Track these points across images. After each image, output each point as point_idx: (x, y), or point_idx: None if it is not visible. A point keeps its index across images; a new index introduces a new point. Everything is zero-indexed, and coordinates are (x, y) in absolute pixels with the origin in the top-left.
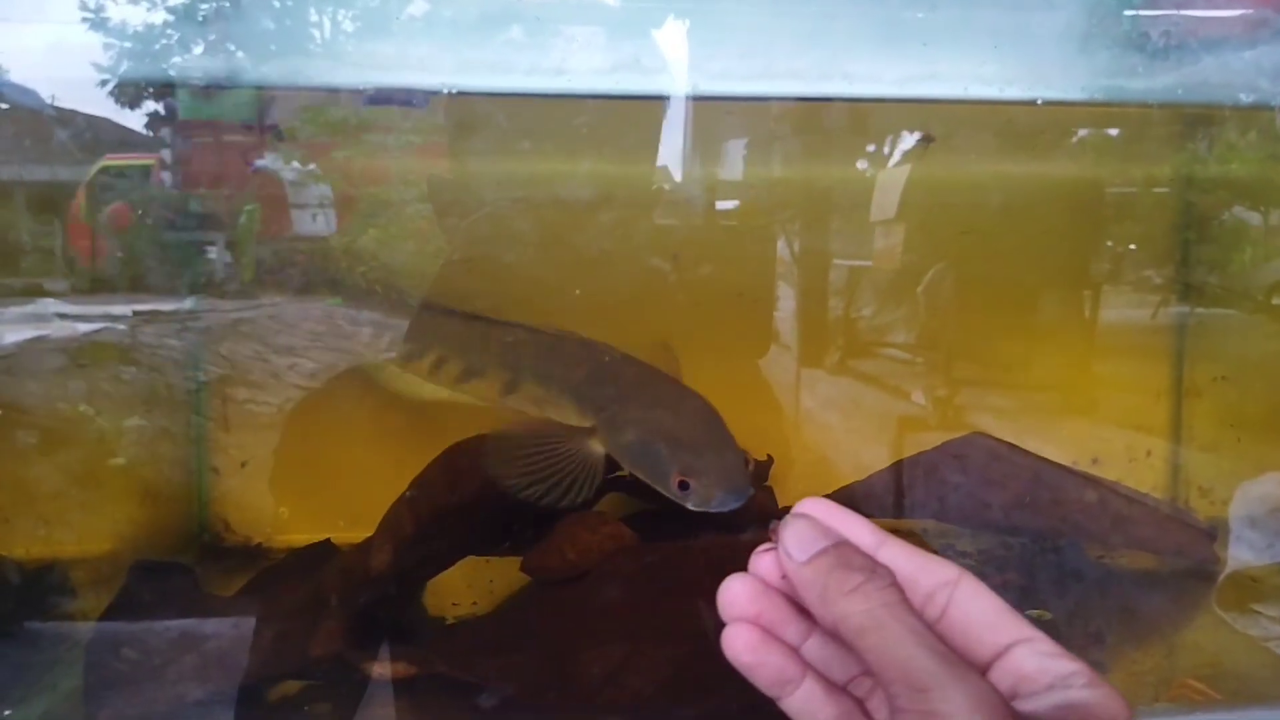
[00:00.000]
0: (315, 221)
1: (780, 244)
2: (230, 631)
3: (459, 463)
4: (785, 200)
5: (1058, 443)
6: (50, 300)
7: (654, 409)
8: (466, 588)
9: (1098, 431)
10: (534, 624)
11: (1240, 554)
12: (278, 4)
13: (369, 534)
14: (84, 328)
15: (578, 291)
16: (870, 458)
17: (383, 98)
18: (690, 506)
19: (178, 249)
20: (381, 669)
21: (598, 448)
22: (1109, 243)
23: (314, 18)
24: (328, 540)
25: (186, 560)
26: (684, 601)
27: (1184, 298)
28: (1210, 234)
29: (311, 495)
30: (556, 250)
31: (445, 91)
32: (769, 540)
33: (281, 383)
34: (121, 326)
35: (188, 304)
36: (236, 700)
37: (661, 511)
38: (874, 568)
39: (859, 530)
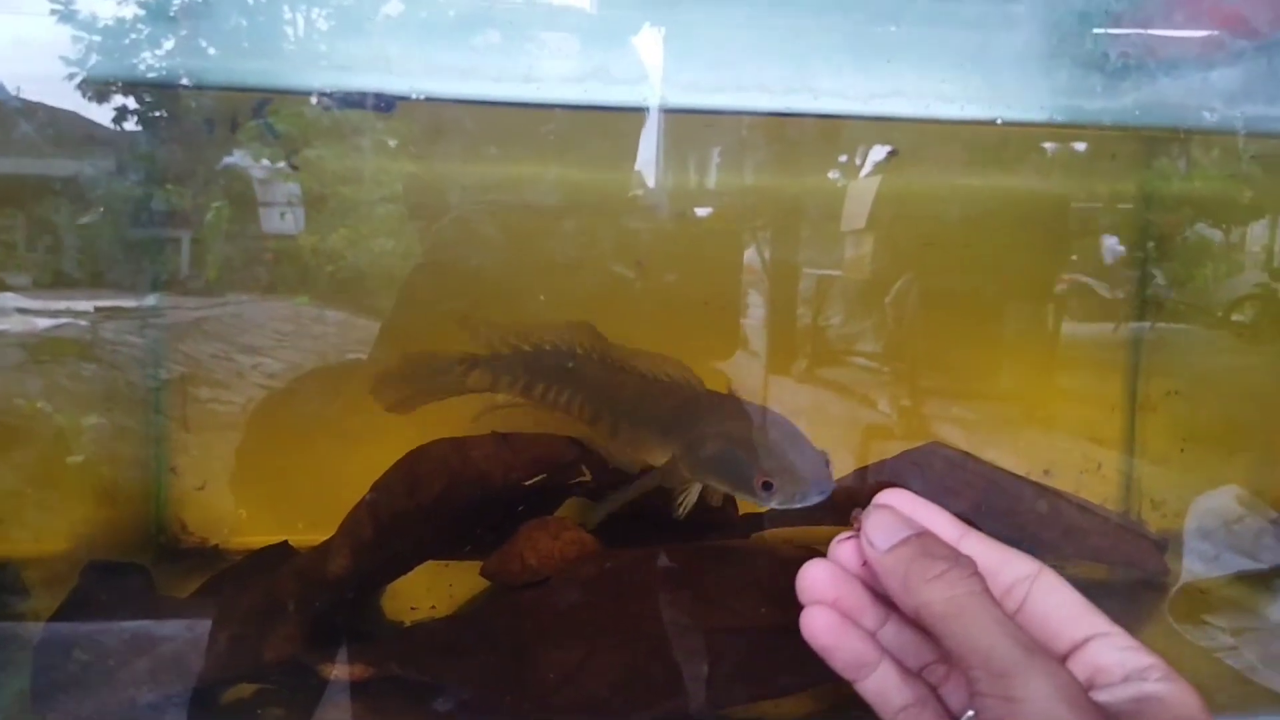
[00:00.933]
0: (283, 220)
1: (750, 252)
2: (184, 634)
3: (420, 467)
4: (755, 209)
5: (1015, 452)
6: (10, 295)
7: (729, 422)
8: (425, 591)
9: (1053, 442)
10: (491, 627)
11: (1193, 566)
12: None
13: (328, 536)
14: (44, 323)
15: (541, 297)
16: (835, 465)
17: (351, 101)
18: (775, 505)
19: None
20: (337, 671)
21: (685, 474)
22: (1073, 257)
23: (287, 15)
24: (285, 542)
25: (142, 561)
26: (642, 606)
27: (1142, 313)
28: (1172, 250)
29: (271, 497)
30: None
31: (414, 96)
32: (850, 529)
33: (245, 382)
34: (83, 323)
35: (150, 300)
36: (190, 703)
37: (622, 517)
38: (957, 557)
39: (941, 522)
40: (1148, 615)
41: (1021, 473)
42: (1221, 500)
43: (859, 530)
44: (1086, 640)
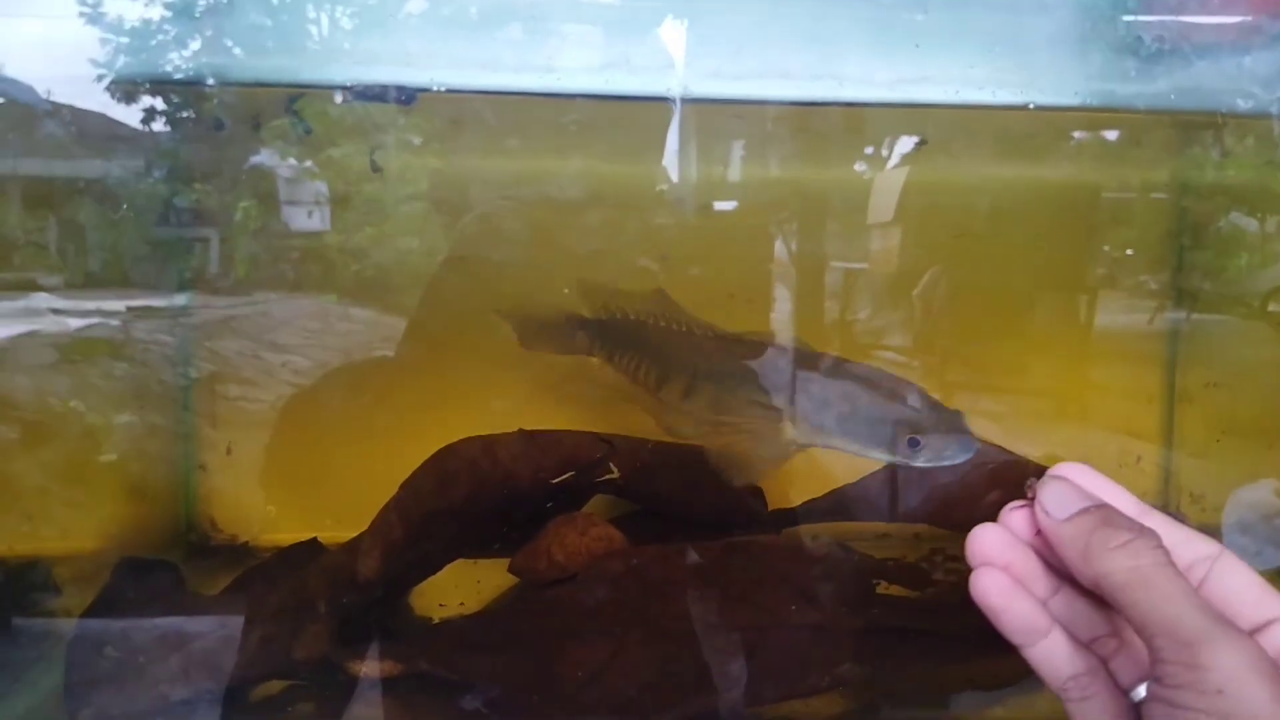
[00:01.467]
0: (310, 218)
1: (777, 245)
2: (215, 631)
3: (448, 465)
4: (781, 202)
5: (1050, 447)
6: (44, 295)
7: (852, 382)
8: (454, 588)
9: (1089, 437)
10: (518, 625)
11: None
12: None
13: (356, 532)
14: (76, 323)
15: (566, 290)
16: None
17: (370, 94)
18: (921, 464)
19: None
20: (366, 668)
21: (791, 433)
22: (1105, 247)
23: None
24: (314, 539)
25: (173, 558)
26: (669, 603)
27: (1178, 303)
28: (1206, 240)
29: (300, 493)
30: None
31: (435, 89)
32: (1025, 498)
33: (275, 380)
34: (114, 322)
35: (180, 300)
36: (221, 700)
37: (649, 513)
38: (1141, 528)
39: (1120, 498)
40: None
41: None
42: (1261, 494)
43: (1033, 499)
44: (1268, 623)
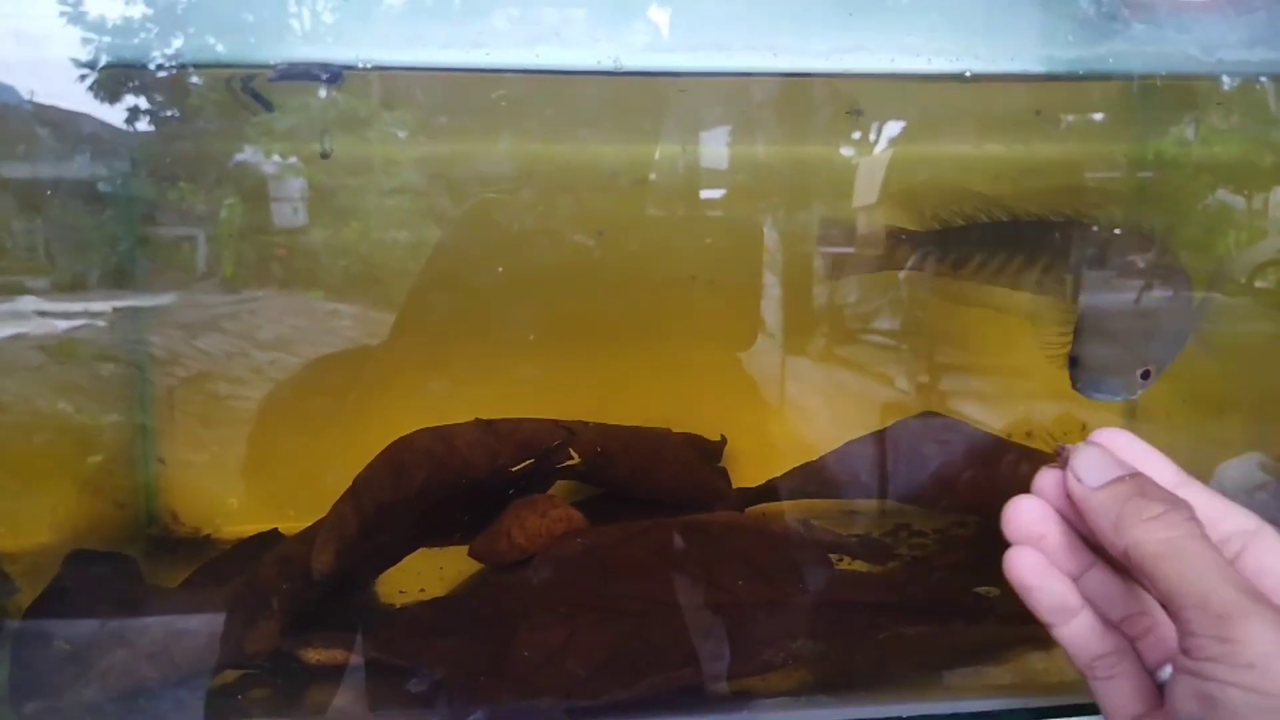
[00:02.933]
0: (295, 214)
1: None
2: (166, 624)
3: (403, 457)
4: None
5: (1011, 420)
6: (30, 298)
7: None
8: (415, 575)
9: (1051, 410)
10: (474, 608)
11: None
12: None
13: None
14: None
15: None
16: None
17: (295, 73)
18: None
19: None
20: (318, 655)
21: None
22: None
23: None
24: (275, 530)
25: (131, 551)
26: (626, 584)
27: None
28: (1192, 217)
29: (263, 485)
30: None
31: (362, 65)
32: (1054, 463)
33: (262, 377)
34: (101, 323)
35: (167, 299)
36: (173, 688)
37: (613, 496)
38: (1175, 500)
39: (1160, 467)
40: None
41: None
42: (1245, 468)
43: (1064, 465)
44: None
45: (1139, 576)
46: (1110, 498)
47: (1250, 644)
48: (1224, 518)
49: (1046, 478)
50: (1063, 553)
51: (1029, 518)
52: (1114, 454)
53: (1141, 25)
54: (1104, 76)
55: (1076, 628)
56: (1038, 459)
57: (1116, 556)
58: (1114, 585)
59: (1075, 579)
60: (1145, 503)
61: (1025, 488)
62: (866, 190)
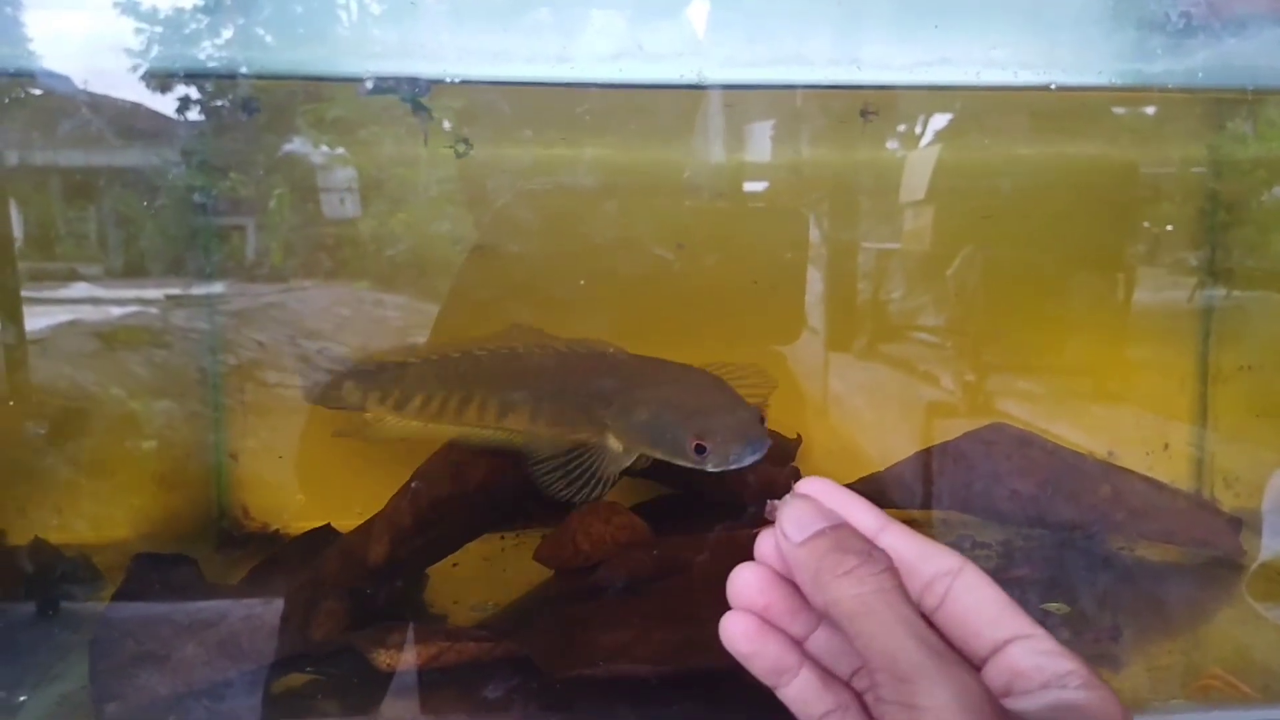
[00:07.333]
0: (343, 205)
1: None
2: (234, 617)
3: (461, 454)
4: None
5: (1082, 429)
6: (84, 285)
7: (658, 387)
8: (483, 583)
9: (1122, 418)
10: (545, 613)
11: (1272, 543)
12: None
13: None
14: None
15: (581, 281)
16: (897, 443)
17: (385, 87)
18: (710, 468)
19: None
20: (388, 659)
21: (614, 444)
22: (1145, 224)
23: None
24: (328, 525)
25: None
26: (692, 594)
27: (1214, 281)
28: (1246, 216)
29: (327, 482)
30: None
31: (449, 80)
32: (770, 522)
33: (313, 367)
34: (153, 310)
35: (217, 288)
36: (245, 689)
37: (672, 499)
38: (870, 551)
39: (861, 513)
40: (1226, 595)
41: (1090, 450)
42: None
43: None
44: (1007, 642)
45: (843, 633)
46: (809, 553)
47: (933, 710)
48: (925, 560)
49: (766, 540)
50: (789, 616)
51: (749, 591)
52: (820, 504)
53: (1233, 39)
54: (1189, 90)
55: (798, 687)
56: (1101, 470)
57: (822, 614)
58: (839, 640)
59: (804, 639)
60: (840, 556)
61: (1112, 503)
62: (914, 187)
